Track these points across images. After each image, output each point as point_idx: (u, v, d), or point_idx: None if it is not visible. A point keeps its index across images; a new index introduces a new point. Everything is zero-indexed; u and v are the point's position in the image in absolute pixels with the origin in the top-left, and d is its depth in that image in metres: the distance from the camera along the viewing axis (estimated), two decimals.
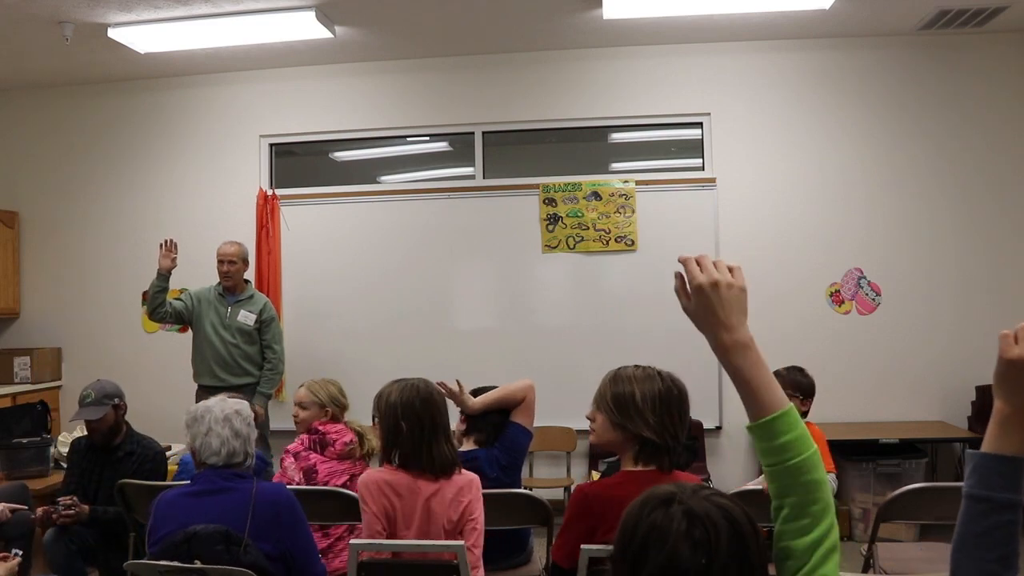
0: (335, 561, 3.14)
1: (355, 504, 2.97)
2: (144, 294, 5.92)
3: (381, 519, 2.49)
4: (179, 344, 5.85)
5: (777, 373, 3.38)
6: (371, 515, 2.49)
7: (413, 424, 2.53)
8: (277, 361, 4.96)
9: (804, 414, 3.45)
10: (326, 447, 3.38)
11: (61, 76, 5.84)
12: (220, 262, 4.91)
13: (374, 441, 3.25)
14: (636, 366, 2.24)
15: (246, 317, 4.89)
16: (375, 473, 2.58)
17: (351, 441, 3.40)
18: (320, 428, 3.45)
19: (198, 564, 2.15)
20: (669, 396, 2.16)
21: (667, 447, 2.14)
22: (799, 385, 3.48)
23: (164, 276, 4.79)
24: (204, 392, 4.81)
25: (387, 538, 2.50)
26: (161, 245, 4.82)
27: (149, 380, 5.57)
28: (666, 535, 1.04)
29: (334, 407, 3.54)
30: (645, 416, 2.13)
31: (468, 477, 2.60)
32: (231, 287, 4.94)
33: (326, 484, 3.25)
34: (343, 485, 3.24)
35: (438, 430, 2.55)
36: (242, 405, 2.48)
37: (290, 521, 2.38)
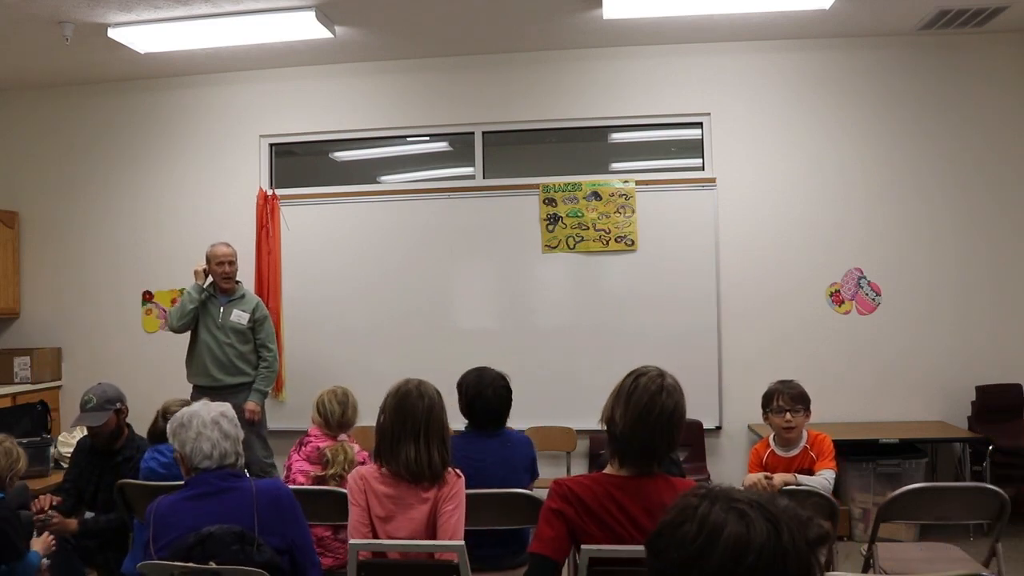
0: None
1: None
2: (145, 294, 5.93)
3: (364, 511, 2.52)
4: (179, 344, 5.83)
5: (784, 393, 3.33)
6: (357, 508, 2.53)
7: (389, 423, 2.54)
8: (272, 359, 4.99)
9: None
10: (301, 446, 3.53)
11: (61, 76, 5.84)
12: (220, 263, 4.91)
13: (334, 469, 3.37)
14: (649, 370, 2.19)
15: (239, 316, 4.91)
16: (364, 469, 2.61)
17: (322, 448, 3.47)
18: (309, 430, 3.58)
19: (213, 565, 2.15)
20: (631, 392, 2.12)
21: (628, 446, 2.09)
22: (805, 398, 3.37)
23: (201, 288, 4.87)
24: (199, 392, 4.81)
25: (370, 534, 2.52)
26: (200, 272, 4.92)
27: (149, 380, 5.56)
28: (721, 525, 1.02)
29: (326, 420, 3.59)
30: (614, 405, 2.13)
31: (450, 483, 2.56)
32: (229, 290, 4.95)
33: (293, 480, 3.40)
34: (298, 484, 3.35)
35: (409, 434, 2.51)
36: (226, 407, 2.47)
37: (291, 513, 2.39)
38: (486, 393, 3.19)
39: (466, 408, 3.24)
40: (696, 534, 1.03)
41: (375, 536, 2.52)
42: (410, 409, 2.54)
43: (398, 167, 6.10)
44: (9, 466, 3.09)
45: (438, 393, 2.64)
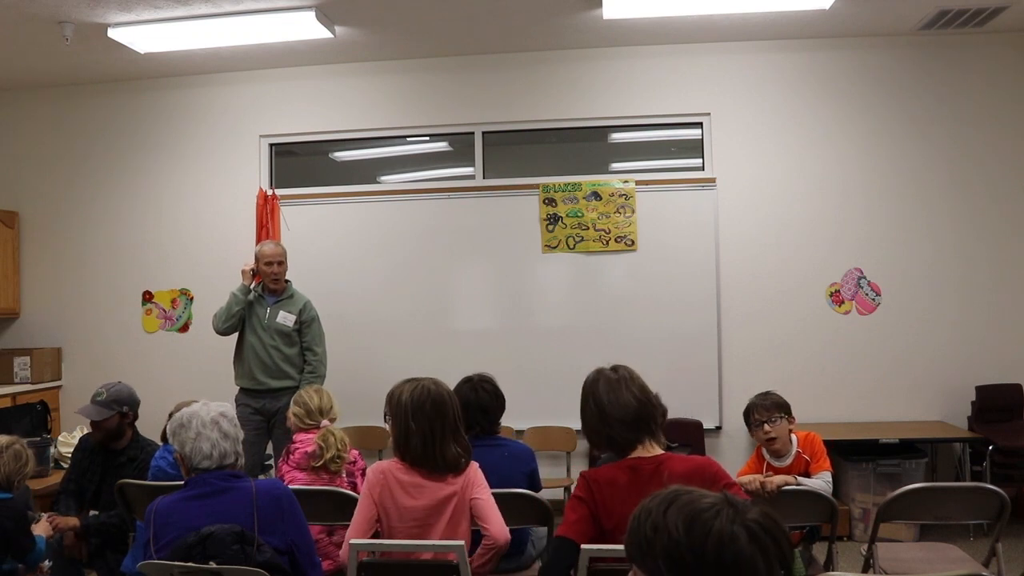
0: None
1: (351, 504, 2.98)
2: (145, 294, 5.93)
3: (378, 507, 2.53)
4: (179, 345, 5.86)
5: (759, 405, 3.36)
6: (369, 501, 2.54)
7: (423, 426, 2.56)
8: (318, 363, 4.79)
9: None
10: (288, 456, 3.50)
11: (61, 76, 5.84)
12: (268, 263, 4.73)
13: (331, 452, 3.37)
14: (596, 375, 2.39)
15: (285, 318, 4.73)
16: (385, 463, 2.62)
17: (311, 452, 3.45)
18: (294, 437, 3.56)
19: (213, 565, 2.15)
20: (597, 405, 2.29)
21: (618, 440, 2.26)
22: (782, 406, 3.39)
23: (248, 288, 4.72)
24: (243, 395, 4.75)
25: (382, 528, 2.54)
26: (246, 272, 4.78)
27: (149, 380, 5.54)
28: (736, 541, 1.08)
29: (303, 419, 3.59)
30: (592, 423, 2.33)
31: (471, 470, 2.63)
32: (278, 290, 4.79)
33: None
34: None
35: (447, 431, 2.58)
36: (226, 407, 2.48)
37: (291, 513, 2.39)
38: (468, 396, 3.20)
39: None
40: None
41: (388, 527, 2.53)
42: (442, 407, 2.59)
43: (398, 167, 6.10)
44: (18, 469, 3.15)
45: (445, 392, 2.69)
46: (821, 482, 3.18)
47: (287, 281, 4.88)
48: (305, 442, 3.50)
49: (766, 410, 3.34)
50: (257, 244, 5.58)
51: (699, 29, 5.19)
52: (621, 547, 2.04)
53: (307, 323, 4.80)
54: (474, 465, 2.63)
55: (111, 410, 3.55)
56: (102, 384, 3.65)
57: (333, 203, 5.74)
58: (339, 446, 3.40)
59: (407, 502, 2.53)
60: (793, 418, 3.37)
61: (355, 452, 3.57)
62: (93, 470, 3.66)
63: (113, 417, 3.56)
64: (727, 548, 1.08)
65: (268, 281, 4.77)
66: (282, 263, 4.78)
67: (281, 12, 4.70)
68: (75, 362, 6.02)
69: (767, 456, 3.43)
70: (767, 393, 3.42)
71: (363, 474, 3.51)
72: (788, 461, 3.37)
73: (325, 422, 3.55)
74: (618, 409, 2.24)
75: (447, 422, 2.58)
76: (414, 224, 5.63)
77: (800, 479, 3.16)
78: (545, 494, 3.09)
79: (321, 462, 3.37)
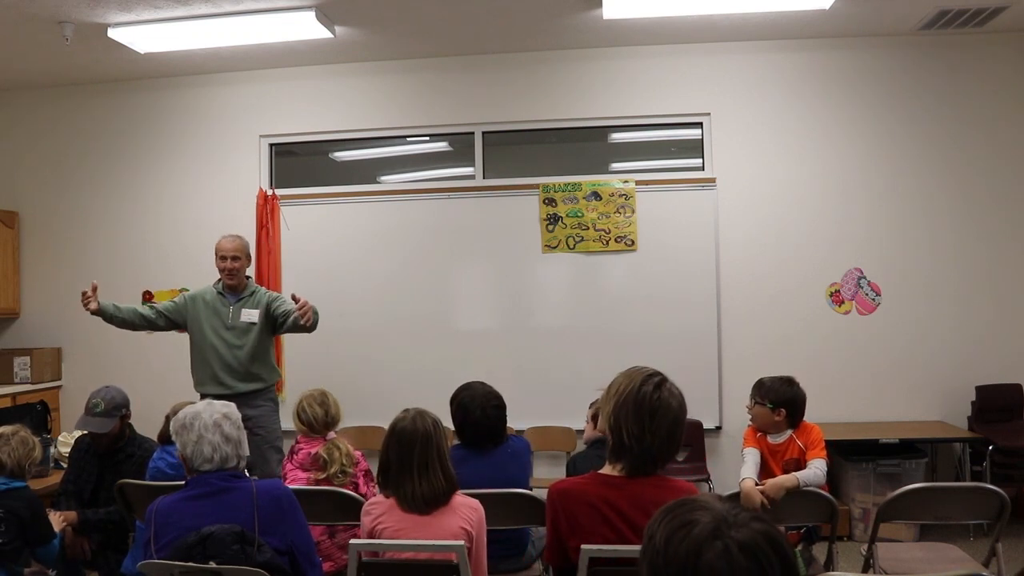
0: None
1: (350, 504, 2.99)
2: (145, 294, 5.94)
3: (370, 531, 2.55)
4: (179, 344, 5.84)
5: (760, 382, 3.39)
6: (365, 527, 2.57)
7: (393, 458, 2.55)
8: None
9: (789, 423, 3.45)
10: (293, 455, 3.51)
11: (61, 76, 5.84)
12: (222, 258, 4.50)
13: (335, 467, 3.37)
14: (652, 375, 2.19)
15: (249, 315, 4.52)
16: (372, 499, 2.63)
17: (314, 454, 3.45)
18: (298, 438, 3.57)
19: (213, 565, 2.15)
20: (639, 398, 2.12)
21: (625, 448, 2.11)
22: (757, 388, 3.50)
23: (97, 314, 4.40)
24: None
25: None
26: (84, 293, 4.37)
27: (149, 380, 5.57)
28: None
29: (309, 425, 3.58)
30: (606, 407, 2.16)
31: (465, 503, 2.57)
32: (234, 285, 4.55)
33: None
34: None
35: (414, 465, 2.52)
36: (230, 408, 2.47)
37: (292, 514, 2.39)
38: (474, 415, 3.18)
39: (457, 427, 3.24)
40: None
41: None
42: (408, 442, 2.54)
43: (398, 167, 6.10)
44: (27, 454, 3.18)
45: (437, 422, 2.63)
46: (814, 470, 3.20)
47: (248, 278, 4.64)
48: (308, 443, 3.51)
49: (754, 389, 3.53)
50: (257, 244, 5.61)
51: (699, 29, 5.19)
52: (622, 547, 2.06)
53: (275, 298, 4.53)
54: (481, 533, 2.57)
55: (113, 418, 3.56)
56: (93, 393, 3.62)
57: (333, 203, 5.74)
58: (344, 461, 3.39)
59: (394, 526, 2.51)
60: (771, 407, 3.43)
61: (358, 453, 3.56)
62: (90, 470, 3.66)
63: (116, 424, 3.57)
64: (702, 560, 1.08)
65: (224, 277, 4.52)
66: (237, 258, 4.49)
67: (281, 12, 4.70)
68: (75, 362, 6.02)
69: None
70: (783, 378, 3.50)
71: (365, 475, 3.51)
72: (780, 440, 3.47)
73: (331, 435, 3.55)
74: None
75: (413, 457, 2.52)
76: (414, 224, 5.63)
77: (798, 476, 3.16)
78: (544, 494, 3.09)
79: (324, 475, 3.37)
